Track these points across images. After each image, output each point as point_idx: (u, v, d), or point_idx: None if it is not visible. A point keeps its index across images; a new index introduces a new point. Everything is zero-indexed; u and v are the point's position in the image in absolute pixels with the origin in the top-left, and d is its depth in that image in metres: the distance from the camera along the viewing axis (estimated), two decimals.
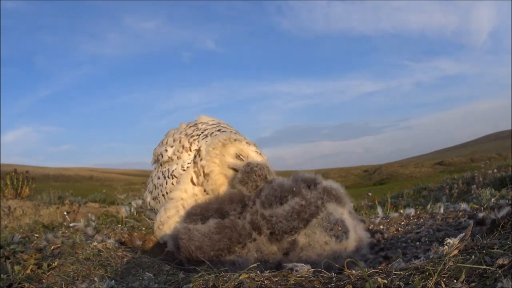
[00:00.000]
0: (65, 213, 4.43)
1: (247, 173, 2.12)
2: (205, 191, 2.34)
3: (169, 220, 2.38)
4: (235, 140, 2.31)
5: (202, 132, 2.49)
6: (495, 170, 6.16)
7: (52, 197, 6.95)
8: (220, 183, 2.31)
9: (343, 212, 1.95)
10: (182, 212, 2.31)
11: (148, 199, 2.78)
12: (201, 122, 2.64)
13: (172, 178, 2.46)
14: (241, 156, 2.27)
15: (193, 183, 2.37)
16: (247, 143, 2.35)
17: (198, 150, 2.40)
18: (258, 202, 1.98)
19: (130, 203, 4.33)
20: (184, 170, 2.41)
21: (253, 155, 2.30)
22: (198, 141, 2.46)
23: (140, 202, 4.10)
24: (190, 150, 2.46)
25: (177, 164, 2.47)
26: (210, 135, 2.45)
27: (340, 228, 1.82)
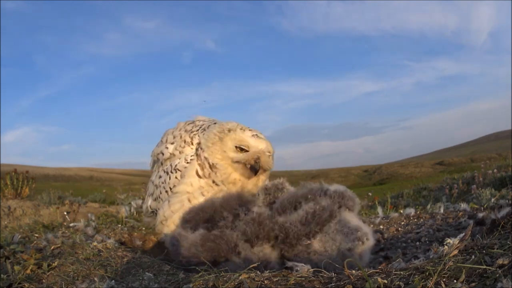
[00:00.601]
0: (65, 213, 4.43)
1: (278, 189, 2.17)
2: (213, 182, 2.31)
3: (173, 215, 2.34)
4: (229, 130, 2.30)
5: (200, 127, 2.49)
6: (495, 170, 6.17)
7: (52, 197, 6.96)
8: (229, 172, 2.29)
9: (358, 218, 1.95)
10: (187, 207, 2.28)
11: (149, 202, 2.70)
12: (198, 120, 2.64)
13: (176, 172, 2.41)
14: (242, 147, 2.27)
15: (199, 176, 2.33)
16: (241, 129, 2.32)
17: (199, 143, 2.40)
18: (265, 210, 1.95)
19: (130, 203, 4.33)
20: (188, 162, 2.37)
21: (252, 142, 2.27)
22: (198, 135, 2.46)
23: (140, 202, 4.10)
24: (192, 143, 2.44)
25: (179, 159, 2.44)
26: (208, 127, 2.44)
27: (359, 232, 1.81)
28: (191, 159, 2.38)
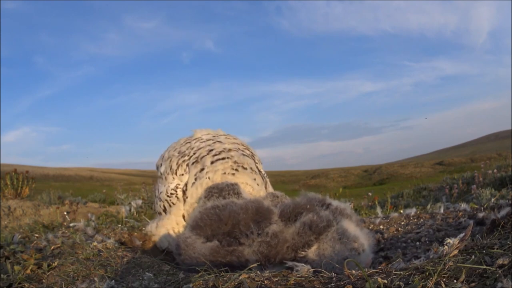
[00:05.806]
0: (65, 213, 4.43)
1: (275, 197, 2.25)
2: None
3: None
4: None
5: (194, 153, 2.32)
6: (495, 170, 6.17)
7: (52, 197, 6.97)
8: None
9: (356, 229, 1.96)
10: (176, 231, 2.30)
11: (157, 208, 2.75)
12: (195, 139, 2.46)
13: (160, 201, 2.39)
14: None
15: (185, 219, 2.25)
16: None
17: (186, 184, 2.27)
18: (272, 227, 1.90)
19: (130, 203, 4.33)
20: (168, 196, 2.29)
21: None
22: (187, 165, 2.29)
23: (140, 202, 4.10)
24: (176, 174, 2.31)
25: (164, 186, 2.36)
26: (201, 159, 2.26)
27: (356, 243, 1.82)
28: (171, 193, 2.28)
